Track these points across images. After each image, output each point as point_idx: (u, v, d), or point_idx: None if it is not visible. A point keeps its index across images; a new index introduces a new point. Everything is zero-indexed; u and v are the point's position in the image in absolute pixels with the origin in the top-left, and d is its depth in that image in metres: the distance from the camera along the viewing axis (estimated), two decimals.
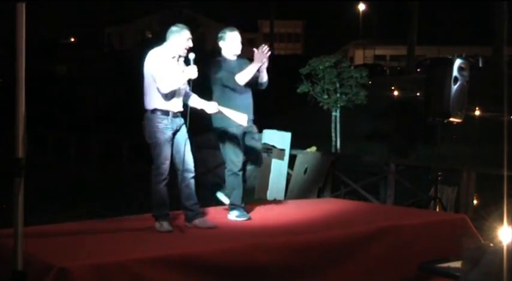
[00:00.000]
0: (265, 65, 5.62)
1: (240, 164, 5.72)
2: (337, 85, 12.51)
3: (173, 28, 5.19)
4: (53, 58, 35.03)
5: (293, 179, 10.44)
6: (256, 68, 5.58)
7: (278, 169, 10.47)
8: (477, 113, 18.84)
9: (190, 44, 5.17)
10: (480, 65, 32.77)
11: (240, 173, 5.75)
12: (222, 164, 14.16)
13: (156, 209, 5.14)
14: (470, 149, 16.33)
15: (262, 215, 5.99)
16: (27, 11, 3.53)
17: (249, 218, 5.69)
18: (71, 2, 52.43)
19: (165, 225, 5.06)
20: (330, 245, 4.95)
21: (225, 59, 5.75)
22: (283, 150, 10.46)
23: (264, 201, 9.19)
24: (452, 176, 8.65)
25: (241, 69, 5.62)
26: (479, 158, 14.49)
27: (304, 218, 5.82)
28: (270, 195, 10.36)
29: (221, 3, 50.82)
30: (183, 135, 5.24)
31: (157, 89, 5.03)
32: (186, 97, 5.33)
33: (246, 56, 5.87)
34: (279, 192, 10.31)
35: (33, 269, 3.80)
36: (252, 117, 5.73)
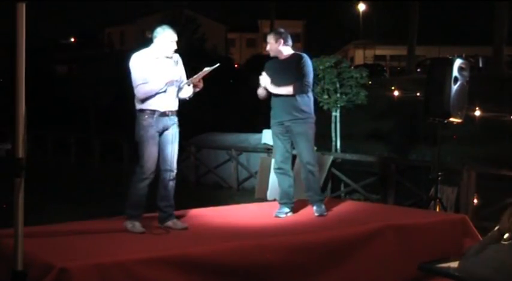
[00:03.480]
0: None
1: (277, 162, 6.14)
2: (337, 85, 12.50)
3: (158, 29, 5.15)
4: (53, 58, 35.02)
5: (293, 179, 10.42)
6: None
7: None
8: (477, 113, 18.82)
9: (175, 46, 5.13)
10: (480, 65, 32.72)
11: (278, 171, 6.15)
12: (222, 164, 14.22)
13: (131, 208, 5.06)
14: (470, 149, 16.31)
15: (262, 215, 6.00)
16: (27, 11, 3.53)
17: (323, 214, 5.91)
18: (71, 2, 52.42)
19: (137, 226, 4.98)
20: (330, 245, 4.95)
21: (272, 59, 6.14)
22: None
23: (264, 201, 9.20)
24: (452, 176, 8.64)
25: (280, 69, 5.95)
26: (479, 158, 14.49)
27: (304, 218, 5.83)
28: (270, 195, 10.35)
29: (221, 3, 50.84)
30: (170, 135, 5.16)
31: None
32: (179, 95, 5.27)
33: None
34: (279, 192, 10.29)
35: (33, 269, 3.81)
36: (287, 118, 5.92)
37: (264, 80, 5.92)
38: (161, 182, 5.19)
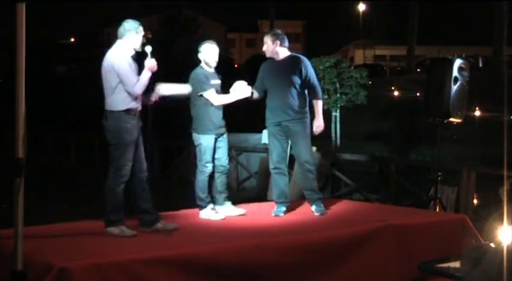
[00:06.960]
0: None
1: (273, 162, 6.11)
2: (337, 85, 12.53)
3: (126, 25, 5.06)
4: (53, 58, 35.02)
5: (293, 179, 10.43)
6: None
7: None
8: (477, 113, 18.82)
9: (142, 38, 5.05)
10: (480, 65, 32.72)
11: (275, 171, 6.12)
12: None
13: (113, 213, 4.90)
14: (470, 149, 16.31)
15: (262, 215, 6.00)
16: (27, 11, 3.53)
17: (323, 213, 5.95)
18: (71, 2, 52.43)
19: (126, 230, 4.87)
20: (330, 245, 4.96)
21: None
22: None
23: (264, 201, 9.19)
24: (452, 176, 8.64)
25: (276, 71, 5.96)
26: (479, 158, 14.49)
27: (304, 218, 5.83)
28: (270, 195, 10.34)
29: (221, 3, 50.82)
30: (140, 136, 5.10)
31: (127, 90, 4.90)
32: (149, 93, 5.19)
33: None
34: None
35: (33, 269, 3.81)
36: (285, 118, 5.93)
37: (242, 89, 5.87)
38: (139, 185, 5.07)
